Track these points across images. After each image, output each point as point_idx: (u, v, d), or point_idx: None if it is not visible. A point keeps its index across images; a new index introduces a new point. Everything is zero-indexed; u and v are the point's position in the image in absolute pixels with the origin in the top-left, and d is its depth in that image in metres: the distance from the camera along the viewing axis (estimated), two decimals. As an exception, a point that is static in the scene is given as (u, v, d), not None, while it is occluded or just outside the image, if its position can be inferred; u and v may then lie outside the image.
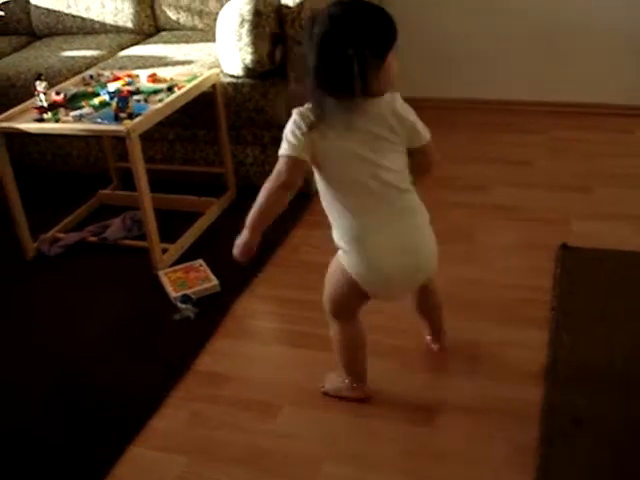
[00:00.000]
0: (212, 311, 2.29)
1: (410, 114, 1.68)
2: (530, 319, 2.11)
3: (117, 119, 2.39)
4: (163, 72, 2.83)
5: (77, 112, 2.47)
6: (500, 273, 2.35)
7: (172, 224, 2.68)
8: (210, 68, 2.86)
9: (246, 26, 2.63)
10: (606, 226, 2.55)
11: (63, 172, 3.27)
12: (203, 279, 2.41)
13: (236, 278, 2.41)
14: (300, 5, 2.67)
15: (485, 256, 2.46)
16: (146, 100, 2.53)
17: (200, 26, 3.51)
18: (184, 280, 2.41)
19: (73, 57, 3.32)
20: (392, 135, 1.63)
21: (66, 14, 3.72)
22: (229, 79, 2.81)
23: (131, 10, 3.59)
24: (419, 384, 1.93)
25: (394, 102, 1.64)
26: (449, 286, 2.29)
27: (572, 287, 2.23)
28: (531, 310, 2.14)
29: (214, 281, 2.39)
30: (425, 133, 1.71)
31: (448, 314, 2.10)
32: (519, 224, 2.63)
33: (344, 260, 1.70)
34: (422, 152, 1.72)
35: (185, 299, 2.31)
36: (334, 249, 1.76)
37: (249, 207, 2.88)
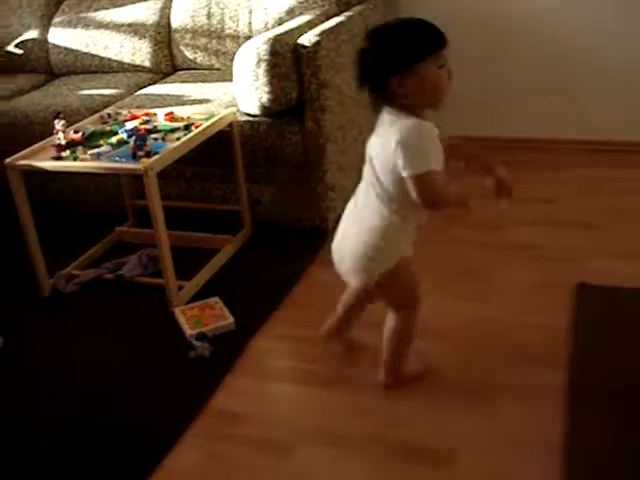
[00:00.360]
0: (228, 349, 2.28)
1: (404, 146, 1.71)
2: (548, 358, 2.08)
3: (135, 157, 2.40)
4: (180, 111, 2.85)
5: (95, 150, 2.49)
6: (517, 312, 2.33)
7: (188, 261, 2.68)
8: (227, 107, 2.89)
9: (263, 66, 2.65)
10: (625, 264, 2.53)
11: (80, 209, 3.29)
12: (219, 317, 2.41)
13: (252, 316, 2.41)
14: (316, 44, 2.69)
15: (502, 294, 2.44)
16: (163, 139, 2.55)
17: (217, 65, 3.55)
18: (200, 318, 2.41)
19: (91, 95, 3.36)
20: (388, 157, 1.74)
21: (84, 53, 3.77)
22: (246, 118, 2.83)
23: (149, 49, 3.64)
24: (436, 424, 1.90)
25: (403, 129, 1.71)
26: (466, 324, 2.29)
27: (590, 326, 2.21)
28: (549, 349, 2.12)
29: (230, 319, 2.39)
30: (410, 166, 1.72)
31: (464, 353, 2.10)
32: (537, 262, 2.61)
33: None
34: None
35: (201, 337, 2.30)
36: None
37: (264, 245, 2.91)
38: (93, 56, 3.75)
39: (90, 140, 2.62)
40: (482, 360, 2.12)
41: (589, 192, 3.14)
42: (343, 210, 1.98)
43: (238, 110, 2.85)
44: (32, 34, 3.89)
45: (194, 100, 3.09)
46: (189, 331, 2.34)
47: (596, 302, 2.32)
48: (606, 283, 2.39)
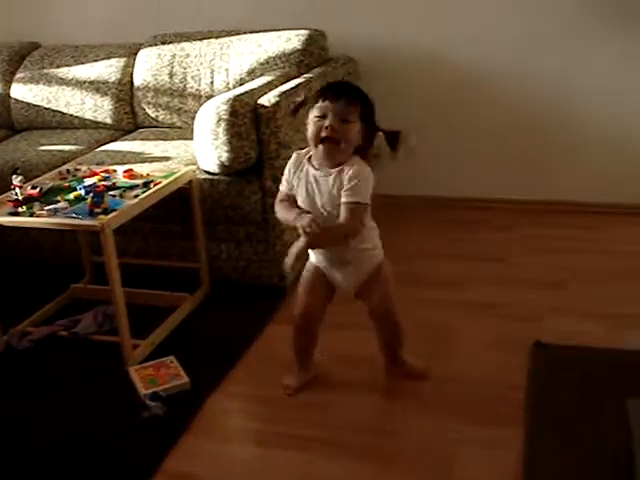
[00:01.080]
0: (182, 409, 2.24)
1: None
2: (504, 417, 2.08)
3: (92, 214, 2.39)
4: (140, 168, 2.86)
5: (52, 206, 2.48)
6: (474, 370, 2.34)
7: (144, 319, 2.65)
8: (187, 165, 2.90)
9: (222, 125, 2.68)
10: (579, 323, 2.56)
11: (36, 264, 3.25)
12: (174, 376, 2.37)
13: (208, 375, 2.38)
14: (276, 105, 2.73)
15: (459, 353, 2.45)
16: (122, 195, 2.55)
17: (178, 123, 3.57)
18: (154, 377, 2.37)
19: (51, 151, 3.35)
20: None
21: (46, 109, 3.78)
22: (205, 176, 2.84)
23: (110, 107, 3.66)
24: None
25: None
26: (426, 383, 2.28)
27: (545, 385, 2.22)
28: (505, 408, 2.13)
29: (184, 378, 2.36)
30: None
31: (421, 413, 2.09)
32: (493, 320, 2.64)
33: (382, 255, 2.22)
34: None
35: (155, 397, 2.27)
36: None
37: (223, 302, 2.90)
38: (54, 112, 3.76)
39: (48, 196, 2.60)
40: (439, 419, 2.12)
41: (541, 251, 3.19)
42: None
43: (198, 168, 2.86)
44: (-6, 89, 3.89)
45: (154, 157, 3.10)
46: (143, 390, 2.30)
47: (551, 360, 2.34)
48: (561, 341, 2.41)
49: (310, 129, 2.01)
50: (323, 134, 1.97)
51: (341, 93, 2.00)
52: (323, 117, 1.97)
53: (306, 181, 2.07)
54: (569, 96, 3.49)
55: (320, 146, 2.00)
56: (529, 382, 2.23)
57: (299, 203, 2.10)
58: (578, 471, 1.87)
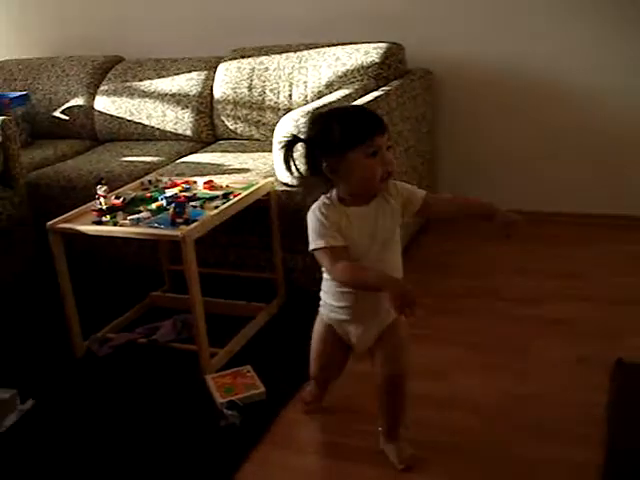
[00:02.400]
0: (258, 419, 2.26)
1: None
2: (584, 437, 2.04)
3: (174, 224, 2.44)
4: (219, 179, 2.90)
5: (135, 216, 2.54)
6: (554, 389, 2.30)
7: (221, 328, 2.68)
8: (265, 177, 2.93)
9: (301, 137, 2.70)
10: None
11: (117, 273, 3.33)
12: (250, 385, 2.40)
13: (284, 386, 2.40)
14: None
15: (537, 370, 2.41)
16: (202, 206, 2.59)
17: (257, 136, 3.62)
18: (231, 386, 2.40)
19: (133, 162, 3.44)
20: None
21: (128, 121, 3.88)
22: (283, 188, 2.87)
23: (191, 119, 3.74)
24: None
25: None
26: (501, 401, 2.25)
27: (629, 405, 2.16)
28: (585, 428, 2.08)
29: (261, 388, 2.38)
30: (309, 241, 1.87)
31: (496, 428, 2.06)
32: (571, 337, 2.59)
33: None
34: None
35: (231, 405, 2.29)
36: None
37: (298, 313, 2.91)
38: (136, 124, 3.86)
39: (130, 206, 2.67)
40: (515, 437, 2.08)
41: (620, 268, 3.12)
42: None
43: (276, 180, 2.89)
44: (78, 101, 4.02)
45: (233, 169, 3.15)
46: (220, 399, 2.33)
47: (635, 380, 2.28)
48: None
49: (362, 173, 1.77)
50: (384, 175, 1.78)
51: (383, 122, 1.80)
52: (374, 154, 1.75)
53: (360, 224, 1.83)
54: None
55: (378, 187, 1.81)
56: (611, 401, 2.17)
57: (356, 250, 1.83)
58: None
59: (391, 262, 1.91)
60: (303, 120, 2.71)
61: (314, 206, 1.85)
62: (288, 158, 1.89)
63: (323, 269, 1.90)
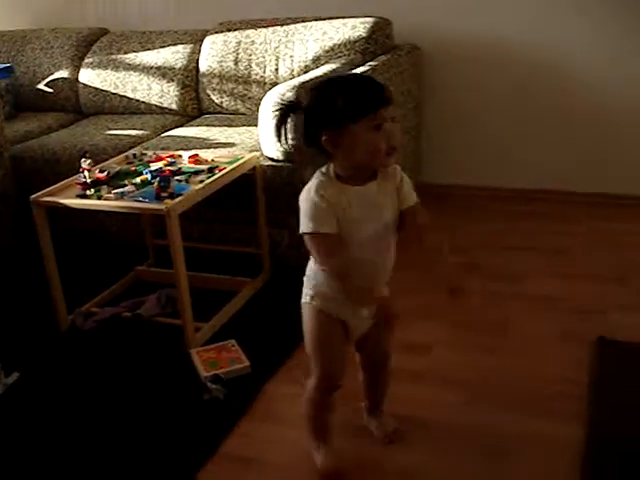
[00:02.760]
0: (242, 393, 2.27)
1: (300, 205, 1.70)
2: (565, 413, 2.06)
3: (158, 198, 2.43)
4: (205, 154, 2.89)
5: (119, 190, 2.53)
6: (534, 364, 2.32)
7: (206, 303, 2.69)
8: (251, 151, 2.92)
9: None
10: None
11: (102, 245, 3.32)
12: (234, 360, 2.40)
13: (268, 360, 2.41)
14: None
15: (519, 346, 2.43)
16: (187, 181, 2.59)
17: (242, 110, 3.60)
18: (215, 360, 2.41)
19: (118, 136, 3.42)
20: None
21: (113, 94, 3.85)
22: (269, 162, 2.86)
23: (176, 93, 3.71)
24: (446, 475, 1.88)
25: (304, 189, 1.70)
26: (483, 376, 2.27)
27: (609, 381, 2.18)
28: (565, 403, 2.10)
29: (246, 362, 2.39)
30: (300, 225, 1.70)
31: (479, 404, 2.08)
32: (553, 314, 2.61)
33: None
34: None
35: (215, 379, 2.30)
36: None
37: (282, 288, 2.92)
38: (121, 97, 3.83)
39: (115, 179, 2.65)
40: (497, 412, 2.10)
41: (606, 245, 3.14)
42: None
43: (262, 155, 2.88)
44: (63, 74, 3.98)
45: (219, 143, 3.13)
46: (204, 373, 2.34)
47: (615, 357, 2.30)
48: (625, 337, 2.37)
49: (365, 147, 1.62)
50: (389, 150, 1.64)
51: (387, 93, 1.67)
52: (378, 128, 1.62)
53: (361, 203, 1.69)
54: (636, 85, 3.41)
55: (382, 161, 1.68)
56: (592, 378, 2.19)
57: (357, 234, 1.70)
58: (638, 469, 1.83)
59: (391, 245, 1.81)
60: (289, 94, 2.70)
61: (310, 185, 1.68)
62: (280, 126, 1.73)
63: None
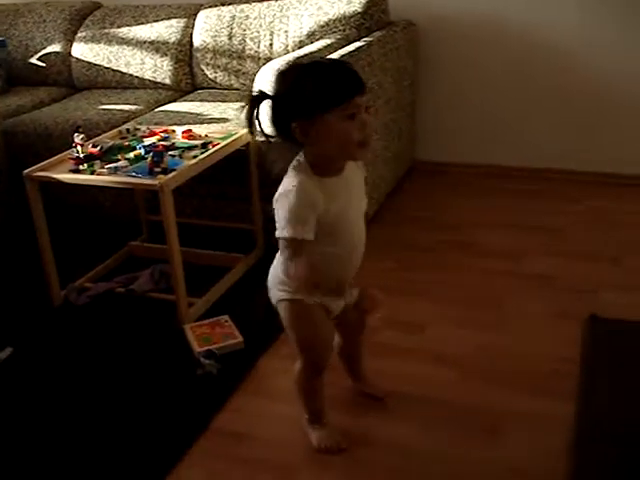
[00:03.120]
0: (235, 368, 2.28)
1: (275, 205, 1.65)
2: (557, 390, 2.07)
3: (151, 173, 2.42)
4: (198, 129, 2.87)
5: (112, 165, 2.51)
6: (528, 342, 2.33)
7: (199, 278, 2.69)
8: (244, 127, 2.90)
9: (269, 93, 2.67)
10: (635, 297, 2.53)
11: (94, 222, 3.31)
12: (228, 335, 2.41)
13: (261, 336, 2.41)
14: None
15: (513, 324, 2.44)
16: (181, 156, 2.57)
17: (236, 85, 3.58)
18: (209, 335, 2.41)
19: (111, 110, 3.39)
20: None
21: (106, 68, 3.82)
22: (263, 138, 2.83)
23: (170, 67, 3.68)
24: (438, 451, 1.89)
25: (280, 187, 1.65)
26: (476, 354, 2.28)
27: (600, 358, 2.20)
28: (558, 381, 2.11)
29: (239, 338, 2.39)
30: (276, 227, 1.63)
31: (472, 381, 2.11)
32: (546, 292, 2.61)
33: None
34: None
35: (209, 355, 2.30)
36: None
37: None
38: (114, 71, 3.80)
39: (108, 154, 2.64)
40: (487, 389, 2.11)
41: (599, 224, 3.15)
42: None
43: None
44: (55, 47, 3.94)
45: (212, 119, 3.11)
46: (197, 348, 2.34)
47: (606, 335, 2.31)
48: (617, 316, 2.38)
49: (338, 138, 1.57)
50: (362, 140, 1.58)
51: (362, 82, 1.59)
52: (352, 117, 1.55)
53: (336, 196, 1.65)
54: (634, 64, 3.40)
55: (356, 152, 1.62)
56: (583, 355, 2.20)
57: (340, 225, 1.68)
58: (629, 447, 1.85)
59: (363, 229, 1.79)
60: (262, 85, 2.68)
61: (288, 187, 1.61)
62: (251, 116, 1.63)
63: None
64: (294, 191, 1.59)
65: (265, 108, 1.64)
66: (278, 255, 1.77)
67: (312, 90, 1.55)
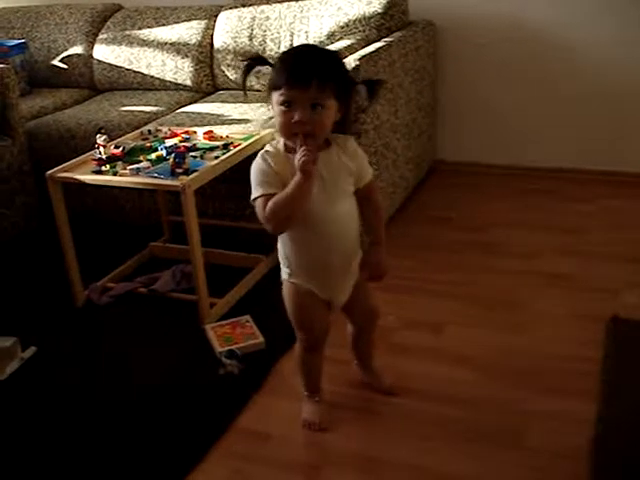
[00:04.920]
0: (257, 368, 2.29)
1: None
2: (578, 391, 2.06)
3: (173, 174, 2.44)
4: (219, 130, 2.89)
5: (135, 166, 2.53)
6: (548, 343, 2.32)
7: (221, 279, 2.70)
8: (265, 128, 2.92)
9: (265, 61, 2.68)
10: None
11: (116, 223, 3.33)
12: (249, 335, 2.42)
13: (282, 336, 2.40)
14: (356, 69, 2.71)
15: (533, 325, 2.43)
16: (202, 157, 2.59)
17: (257, 86, 3.57)
18: (230, 335, 2.42)
19: (132, 112, 3.42)
20: None
21: (127, 70, 3.84)
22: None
23: (190, 69, 3.70)
24: (460, 451, 1.89)
25: None
26: (496, 354, 2.27)
27: (621, 360, 2.18)
28: (579, 382, 2.10)
29: (260, 338, 2.40)
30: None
31: (492, 382, 2.11)
32: (566, 292, 2.60)
33: None
34: None
35: (230, 354, 2.31)
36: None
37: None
38: (136, 73, 3.82)
39: (130, 155, 2.66)
40: (509, 389, 2.11)
41: (616, 224, 3.13)
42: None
43: (276, 131, 2.87)
44: (77, 49, 3.97)
45: (233, 120, 3.13)
46: (219, 348, 2.36)
47: (629, 337, 2.30)
48: (638, 317, 2.36)
49: (277, 119, 1.70)
50: (294, 130, 1.66)
51: (309, 76, 1.63)
52: (289, 105, 1.65)
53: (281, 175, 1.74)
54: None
55: (293, 139, 1.70)
56: (604, 356, 2.19)
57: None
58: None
59: (347, 215, 1.84)
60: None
61: (259, 154, 1.78)
62: (245, 77, 1.84)
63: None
64: (260, 157, 1.76)
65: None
66: (278, 242, 1.90)
67: (274, 69, 1.71)
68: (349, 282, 1.93)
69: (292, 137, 1.69)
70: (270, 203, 1.70)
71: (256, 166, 1.76)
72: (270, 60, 1.77)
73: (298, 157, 1.64)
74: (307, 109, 1.64)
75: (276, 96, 1.67)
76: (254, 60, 1.79)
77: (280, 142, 1.77)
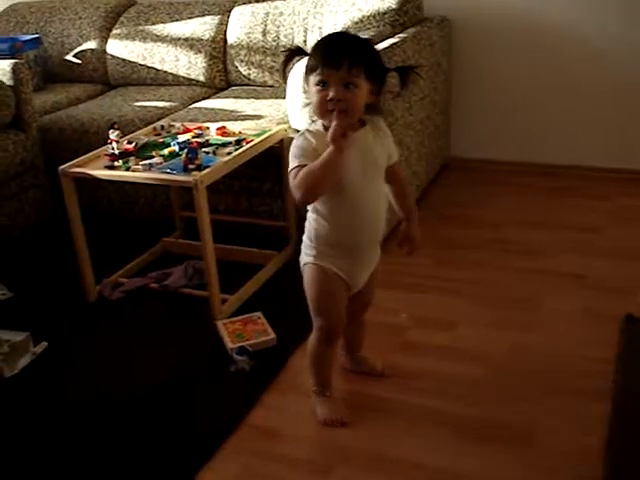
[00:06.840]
0: (268, 365, 2.28)
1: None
2: (592, 390, 2.04)
3: (186, 170, 2.43)
4: (232, 126, 2.88)
5: (147, 161, 2.53)
6: (562, 342, 2.30)
7: (232, 275, 2.69)
8: (278, 124, 2.91)
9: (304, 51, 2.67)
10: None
11: (129, 218, 3.33)
12: (261, 332, 2.41)
13: (294, 333, 2.41)
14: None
15: (547, 324, 2.41)
16: (215, 152, 2.58)
17: (270, 82, 3.59)
18: (242, 332, 2.42)
19: (146, 107, 3.42)
20: None
21: (141, 65, 3.84)
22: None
23: (204, 64, 3.70)
24: (469, 452, 1.88)
25: None
26: (508, 352, 2.26)
27: (636, 359, 2.16)
28: (592, 381, 2.08)
29: (271, 335, 2.39)
30: None
31: (505, 380, 2.10)
32: (581, 291, 2.58)
33: None
34: None
35: (242, 351, 2.31)
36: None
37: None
38: (149, 68, 3.82)
39: (143, 151, 2.65)
40: (520, 388, 2.10)
41: (631, 222, 3.10)
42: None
43: (289, 127, 2.87)
44: (90, 45, 3.98)
45: (246, 116, 3.12)
46: (230, 344, 2.35)
47: (643, 336, 2.27)
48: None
49: (313, 99, 1.78)
50: (329, 107, 1.74)
51: (342, 56, 1.72)
52: (324, 85, 1.74)
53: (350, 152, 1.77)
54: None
55: (328, 117, 1.76)
56: (619, 355, 2.17)
57: (346, 179, 1.81)
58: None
59: (380, 194, 1.92)
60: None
61: (300, 132, 1.86)
62: (286, 67, 1.97)
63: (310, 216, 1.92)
64: (298, 135, 1.84)
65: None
66: (307, 223, 1.95)
67: (310, 54, 1.80)
68: (372, 265, 2.00)
69: (327, 115, 1.76)
70: (301, 172, 1.76)
71: (295, 142, 1.83)
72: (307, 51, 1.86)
73: (330, 131, 1.71)
74: (341, 87, 1.73)
75: (312, 78, 1.76)
76: (294, 51, 1.89)
77: (318, 122, 1.84)
